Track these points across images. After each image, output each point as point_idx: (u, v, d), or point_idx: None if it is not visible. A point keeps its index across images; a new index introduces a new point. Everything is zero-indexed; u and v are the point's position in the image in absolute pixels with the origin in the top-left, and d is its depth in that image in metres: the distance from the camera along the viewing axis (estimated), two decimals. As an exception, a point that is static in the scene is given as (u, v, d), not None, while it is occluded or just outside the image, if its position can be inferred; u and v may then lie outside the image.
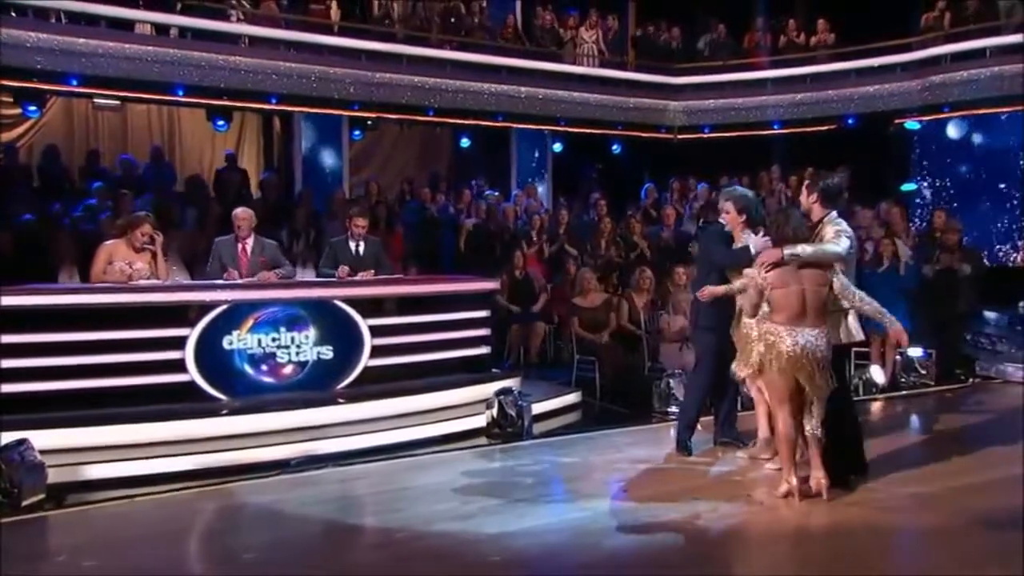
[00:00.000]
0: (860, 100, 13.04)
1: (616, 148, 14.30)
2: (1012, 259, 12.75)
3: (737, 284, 5.69)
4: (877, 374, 8.81)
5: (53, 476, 5.37)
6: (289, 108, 11.78)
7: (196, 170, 12.48)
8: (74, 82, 10.05)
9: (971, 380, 9.32)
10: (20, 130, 12.02)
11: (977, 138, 13.12)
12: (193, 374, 6.57)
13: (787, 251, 5.24)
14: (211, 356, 6.62)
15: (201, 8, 10.84)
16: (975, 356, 9.86)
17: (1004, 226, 12.84)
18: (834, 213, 5.55)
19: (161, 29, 10.62)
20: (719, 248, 6.20)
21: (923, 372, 9.07)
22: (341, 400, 6.97)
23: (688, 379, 7.11)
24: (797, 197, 7.23)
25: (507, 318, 9.50)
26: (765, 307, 5.27)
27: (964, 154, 13.23)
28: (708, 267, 6.34)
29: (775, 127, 13.68)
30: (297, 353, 6.93)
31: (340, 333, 7.13)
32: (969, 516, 5.09)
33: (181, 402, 6.50)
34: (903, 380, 9.03)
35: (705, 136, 14.25)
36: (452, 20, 12.79)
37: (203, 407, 6.52)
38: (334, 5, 11.91)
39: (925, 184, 13.53)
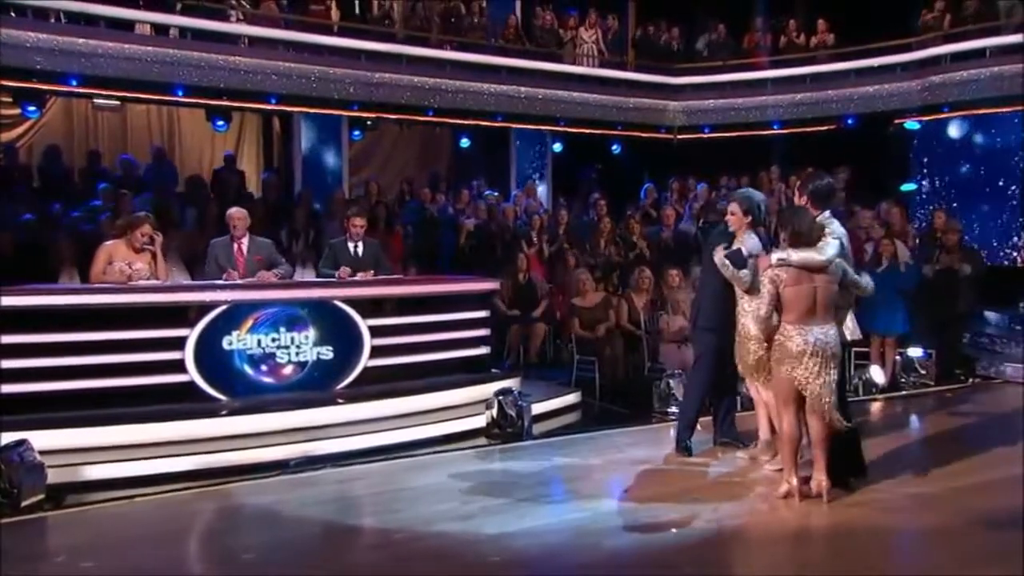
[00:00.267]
0: (860, 100, 13.05)
1: (616, 148, 14.29)
2: (1012, 259, 12.74)
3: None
4: (877, 374, 8.83)
5: (52, 476, 5.37)
6: (289, 108, 11.78)
7: (196, 170, 12.45)
8: (74, 82, 10.05)
9: (971, 380, 9.31)
10: (20, 130, 12.02)
11: (977, 138, 13.11)
12: (193, 374, 6.57)
13: (775, 256, 5.26)
14: (211, 356, 6.62)
15: (201, 8, 10.84)
16: (975, 356, 9.86)
17: (1004, 226, 12.83)
18: (827, 213, 5.52)
19: (161, 29, 10.62)
20: (717, 249, 6.18)
21: (923, 372, 9.07)
22: (341, 400, 6.97)
23: (687, 379, 7.12)
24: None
25: (507, 319, 9.51)
26: (775, 317, 5.26)
27: (964, 154, 13.21)
28: (713, 267, 6.32)
29: (775, 127, 13.68)
30: (297, 353, 6.93)
31: (340, 333, 7.13)
32: (969, 516, 5.09)
33: (181, 402, 6.49)
34: (903, 380, 9.03)
35: (705, 136, 14.25)
36: (452, 20, 12.79)
37: (203, 407, 6.52)
38: (334, 5, 11.92)
39: (925, 184, 13.53)
